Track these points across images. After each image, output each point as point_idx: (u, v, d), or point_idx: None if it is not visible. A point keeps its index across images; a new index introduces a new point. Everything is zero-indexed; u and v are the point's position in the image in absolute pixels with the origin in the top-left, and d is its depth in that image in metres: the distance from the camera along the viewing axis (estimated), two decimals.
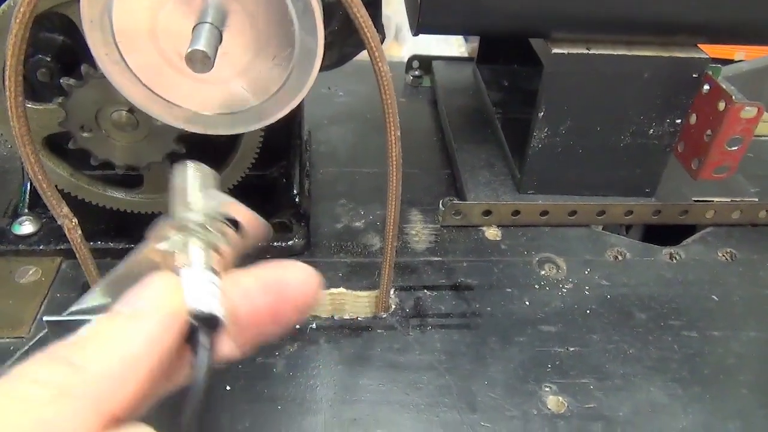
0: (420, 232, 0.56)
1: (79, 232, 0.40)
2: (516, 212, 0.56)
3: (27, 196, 0.52)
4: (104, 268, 0.46)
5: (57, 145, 0.45)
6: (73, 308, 0.29)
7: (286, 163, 0.56)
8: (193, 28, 0.30)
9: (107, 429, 0.21)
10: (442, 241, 0.55)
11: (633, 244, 0.56)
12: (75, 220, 0.39)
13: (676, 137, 0.53)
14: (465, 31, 0.57)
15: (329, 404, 0.41)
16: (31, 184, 0.52)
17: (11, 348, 0.43)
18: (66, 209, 0.39)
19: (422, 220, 0.57)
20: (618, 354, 0.46)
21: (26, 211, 0.51)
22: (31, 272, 0.48)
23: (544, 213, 0.56)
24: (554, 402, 0.42)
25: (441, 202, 0.57)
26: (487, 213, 0.56)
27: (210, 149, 0.47)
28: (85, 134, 0.42)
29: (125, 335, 0.22)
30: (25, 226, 0.50)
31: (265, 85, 0.33)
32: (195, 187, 0.32)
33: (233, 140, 0.46)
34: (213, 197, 0.32)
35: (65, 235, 0.50)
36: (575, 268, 0.53)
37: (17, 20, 0.30)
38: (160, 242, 0.28)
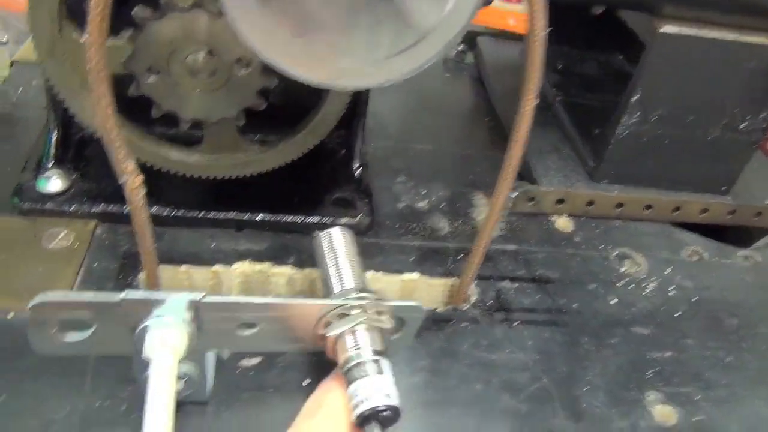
0: None
1: (143, 192, 0.33)
2: (590, 202, 0.52)
3: (52, 148, 0.44)
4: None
5: None
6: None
7: (346, 132, 0.50)
8: None
9: None
10: (513, 229, 0.50)
11: (708, 243, 0.53)
12: (141, 177, 0.33)
13: (765, 133, 0.50)
14: None
15: (419, 405, 0.36)
16: (57, 134, 0.45)
17: None
18: (133, 165, 0.32)
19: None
20: (716, 361, 0.42)
21: (51, 164, 0.44)
22: (61, 236, 0.41)
23: (620, 205, 0.53)
24: (661, 413, 0.38)
25: None
26: (561, 201, 0.52)
27: (289, 108, 0.41)
28: (151, 78, 0.35)
29: None
30: (53, 183, 0.43)
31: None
32: (345, 258, 0.37)
33: (315, 100, 0.40)
34: (363, 272, 0.37)
35: (101, 195, 0.44)
36: (655, 266, 0.49)
37: None
38: (326, 328, 0.32)
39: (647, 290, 0.47)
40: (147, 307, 0.28)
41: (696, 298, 0.47)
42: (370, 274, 0.43)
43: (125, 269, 0.40)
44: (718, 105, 0.48)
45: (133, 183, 0.33)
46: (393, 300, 0.33)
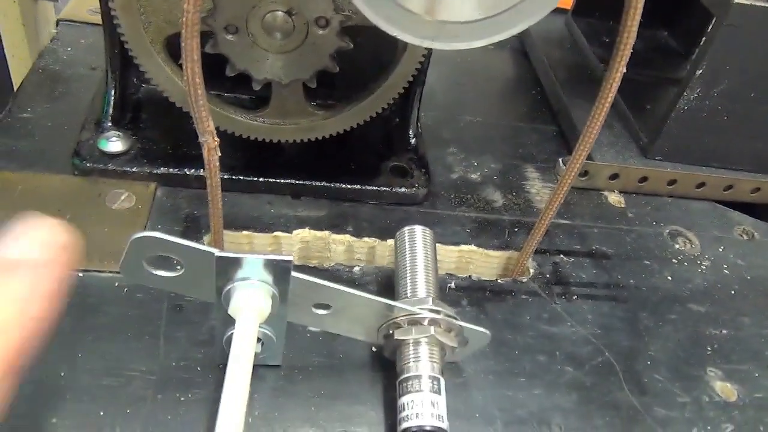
0: (540, 191, 0.51)
1: (219, 154, 0.33)
2: (643, 179, 0.52)
3: (110, 109, 0.44)
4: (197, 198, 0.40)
5: (176, 50, 0.38)
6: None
7: (402, 100, 0.49)
8: None
9: None
10: (566, 203, 0.50)
11: (757, 223, 0.53)
12: (218, 140, 0.33)
13: None
14: None
15: (485, 373, 0.36)
16: (115, 94, 0.44)
17: (116, 284, 0.36)
18: (213, 125, 0.32)
19: (540, 179, 0.52)
20: None
21: (109, 125, 0.44)
22: (123, 197, 0.41)
23: (672, 182, 0.52)
24: (723, 389, 0.39)
25: (561, 160, 0.52)
26: (614, 177, 0.52)
27: (360, 70, 0.41)
28: (228, 36, 0.34)
29: None
30: (114, 143, 0.42)
31: None
32: (422, 261, 0.36)
33: (386, 64, 0.40)
34: (437, 280, 0.36)
35: (160, 157, 0.43)
36: (708, 244, 0.49)
37: None
38: (394, 329, 0.32)
39: (702, 268, 0.47)
40: (236, 266, 0.28)
41: (750, 277, 0.47)
42: None
43: (189, 232, 0.40)
44: None
45: (212, 143, 0.33)
46: (464, 322, 0.33)
